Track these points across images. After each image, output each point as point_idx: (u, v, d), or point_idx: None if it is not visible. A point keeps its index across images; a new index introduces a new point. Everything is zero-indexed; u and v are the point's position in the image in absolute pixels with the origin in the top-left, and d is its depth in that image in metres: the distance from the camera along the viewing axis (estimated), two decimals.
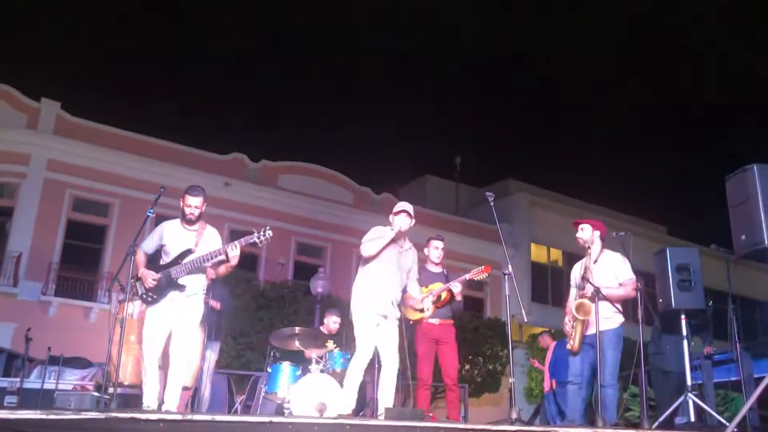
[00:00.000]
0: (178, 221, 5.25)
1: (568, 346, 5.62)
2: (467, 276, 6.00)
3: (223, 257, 5.05)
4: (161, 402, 4.89)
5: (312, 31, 51.42)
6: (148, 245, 5.22)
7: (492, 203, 5.42)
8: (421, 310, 6.01)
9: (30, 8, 39.24)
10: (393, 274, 5.41)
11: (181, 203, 5.20)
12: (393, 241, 5.43)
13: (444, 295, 6.00)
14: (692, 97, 49.85)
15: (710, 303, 6.69)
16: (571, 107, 52.38)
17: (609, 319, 5.40)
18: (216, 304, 6.71)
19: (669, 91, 51.17)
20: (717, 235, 6.22)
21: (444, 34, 51.31)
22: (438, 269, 6.26)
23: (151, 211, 4.91)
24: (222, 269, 5.30)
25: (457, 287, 5.98)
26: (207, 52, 46.42)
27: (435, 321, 6.03)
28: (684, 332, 5.85)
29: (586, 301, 5.36)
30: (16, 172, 17.32)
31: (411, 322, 6.06)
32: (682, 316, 5.85)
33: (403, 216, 5.49)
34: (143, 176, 18.14)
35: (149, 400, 4.87)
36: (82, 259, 17.64)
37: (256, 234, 5.03)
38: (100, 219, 18.17)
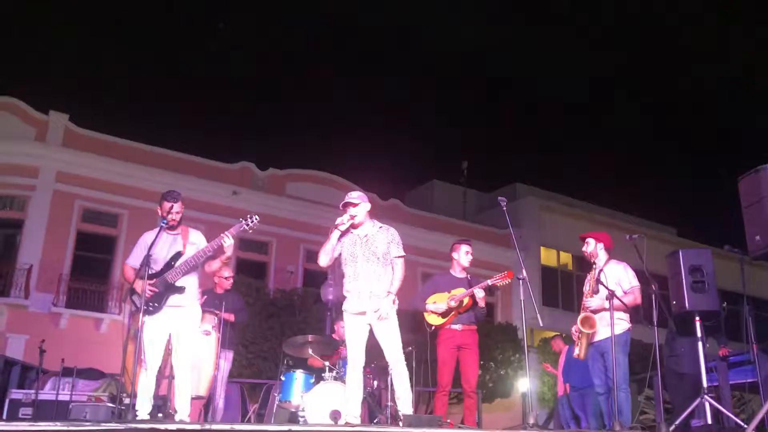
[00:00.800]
0: (156, 230, 5.28)
1: (575, 354, 5.80)
2: (489, 281, 5.95)
3: (212, 253, 5.25)
4: (174, 411, 4.90)
5: (317, 36, 51.59)
6: (135, 259, 5.25)
7: (504, 208, 5.40)
8: (443, 315, 5.98)
9: (37, 22, 39.51)
10: (362, 267, 5.16)
11: (160, 211, 5.32)
12: (347, 232, 5.25)
13: (466, 300, 5.97)
14: (702, 97, 49.75)
15: (724, 304, 6.65)
16: (579, 110, 52.34)
17: (615, 325, 5.42)
18: (230, 317, 6.72)
19: (677, 91, 51.08)
20: (728, 237, 6.21)
21: (449, 37, 51.39)
22: (462, 274, 6.20)
23: (165, 221, 4.94)
24: (216, 264, 5.44)
25: (479, 293, 5.94)
26: (213, 61, 46.62)
27: (457, 327, 5.99)
28: (699, 334, 5.82)
29: (590, 314, 5.54)
30: (26, 184, 17.42)
31: (433, 328, 6.04)
32: (697, 318, 5.81)
33: (346, 211, 5.23)
34: (152, 186, 18.16)
35: (143, 409, 4.84)
36: (92, 270, 17.70)
37: (243, 221, 5.35)
38: (109, 230, 18.24)
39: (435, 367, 6.02)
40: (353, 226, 5.25)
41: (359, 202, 5.24)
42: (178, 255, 5.20)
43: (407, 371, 5.15)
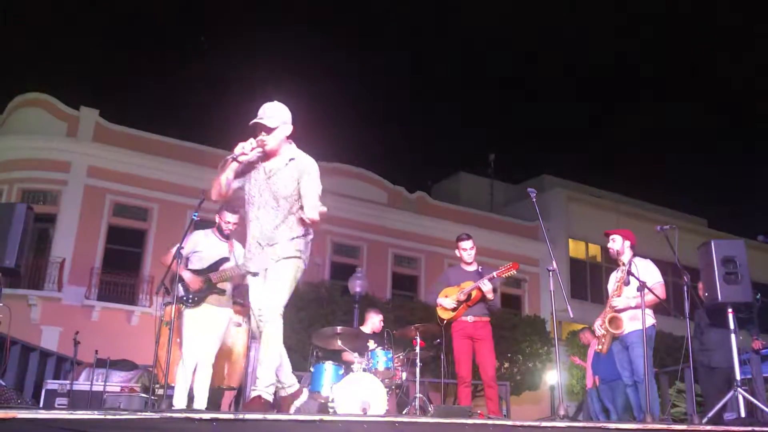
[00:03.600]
0: (210, 231, 5.48)
1: (597, 349, 5.97)
2: (495, 273, 5.97)
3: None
4: (190, 400, 5.07)
5: (339, 31, 51.63)
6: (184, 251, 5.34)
7: (534, 199, 5.38)
8: (453, 309, 6.02)
9: (67, 19, 40.06)
10: (258, 212, 4.04)
11: (218, 218, 5.44)
12: (256, 163, 4.05)
13: (474, 293, 5.99)
14: (730, 88, 48.91)
15: (758, 296, 6.55)
16: (606, 101, 51.75)
17: (640, 320, 5.43)
18: None
19: (706, 82, 50.27)
20: (760, 227, 6.12)
21: (476, 30, 51.12)
22: (471, 267, 6.23)
23: (196, 215, 4.99)
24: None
25: (486, 285, 5.94)
26: (240, 56, 46.91)
27: (468, 319, 6.04)
28: (731, 326, 5.74)
29: (618, 315, 5.63)
30: (58, 179, 17.73)
31: (444, 322, 6.09)
32: (729, 310, 5.74)
33: (257, 134, 3.97)
34: (181, 180, 18.41)
35: (180, 400, 4.99)
36: (123, 264, 17.99)
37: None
38: (139, 223, 18.50)
39: (452, 360, 6.09)
40: (266, 156, 4.03)
41: (276, 125, 3.96)
42: (225, 260, 5.36)
43: (279, 333, 4.02)
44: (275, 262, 4.00)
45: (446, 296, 6.12)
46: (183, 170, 18.56)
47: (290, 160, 4.03)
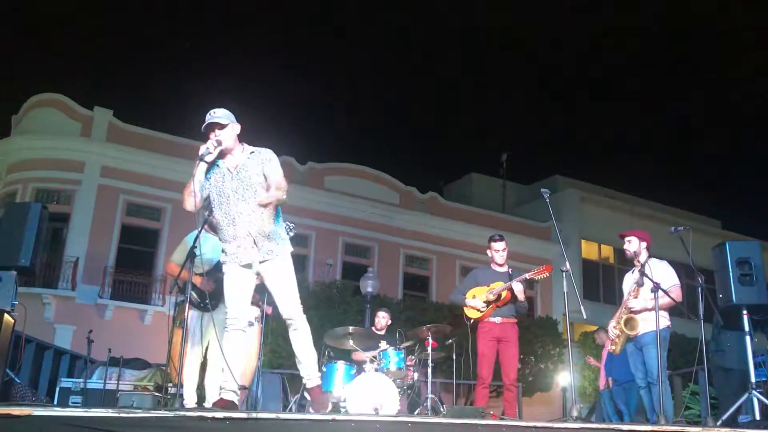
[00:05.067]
0: (203, 231, 5.34)
1: (611, 349, 5.94)
2: (527, 275, 5.92)
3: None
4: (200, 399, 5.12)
5: (351, 31, 51.69)
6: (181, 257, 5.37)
7: (548, 199, 5.34)
8: (482, 309, 5.97)
9: (81, 19, 40.33)
10: (236, 207, 4.21)
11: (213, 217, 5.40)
12: (215, 168, 4.26)
13: (504, 294, 5.95)
14: (742, 89, 48.52)
15: None
16: (618, 101, 51.52)
17: (654, 321, 5.40)
18: (269, 309, 6.80)
19: (720, 82, 49.92)
20: None
21: (488, 31, 51.01)
22: (502, 268, 6.16)
23: (209, 213, 4.99)
24: None
25: (517, 286, 5.90)
26: (253, 55, 47.06)
27: (496, 320, 5.98)
28: (746, 328, 5.70)
29: (635, 316, 5.60)
30: (72, 179, 17.86)
31: (471, 321, 6.03)
32: (744, 312, 5.70)
33: (212, 136, 4.18)
34: None
35: (190, 399, 5.03)
36: (136, 263, 18.09)
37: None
38: (152, 223, 18.60)
39: (476, 360, 6.03)
40: (220, 156, 4.23)
41: (227, 122, 4.21)
42: None
43: (308, 327, 4.43)
44: (276, 261, 4.26)
45: (474, 296, 6.06)
46: None
47: (251, 153, 4.28)
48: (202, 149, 4.12)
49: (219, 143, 4.14)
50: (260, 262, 4.23)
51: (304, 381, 4.46)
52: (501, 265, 6.17)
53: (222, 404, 4.01)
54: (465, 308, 6.10)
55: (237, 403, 4.19)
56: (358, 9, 49.41)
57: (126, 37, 43.22)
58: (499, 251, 6.18)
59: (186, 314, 4.99)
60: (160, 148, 18.74)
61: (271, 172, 4.21)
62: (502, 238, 6.28)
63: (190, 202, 4.18)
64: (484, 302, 5.95)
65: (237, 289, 4.25)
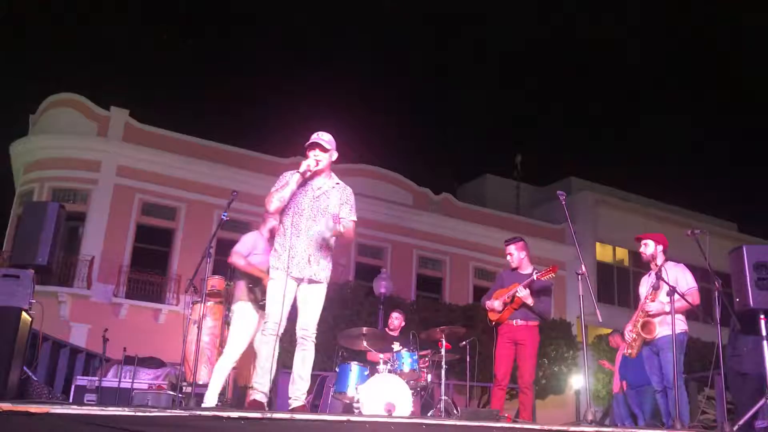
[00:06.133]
0: (257, 233, 5.70)
1: (626, 353, 5.94)
2: (534, 276, 5.89)
3: None
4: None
5: (365, 33, 51.70)
6: (246, 251, 5.55)
7: (564, 202, 5.31)
8: (500, 311, 5.97)
9: (97, 20, 40.63)
10: (306, 224, 4.49)
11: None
12: (303, 184, 4.56)
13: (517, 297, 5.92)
14: (757, 90, 48.05)
15: None
16: (634, 103, 51.22)
17: (670, 325, 5.37)
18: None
19: (735, 84, 49.53)
20: None
21: (504, 32, 50.91)
22: (526, 270, 6.10)
23: (225, 214, 5.02)
24: None
25: (521, 291, 5.85)
26: (268, 57, 47.21)
27: (514, 322, 5.96)
28: (763, 333, 5.64)
29: (651, 320, 5.59)
30: (88, 178, 18.01)
31: (492, 323, 6.04)
32: (761, 316, 5.64)
33: (312, 154, 4.52)
34: (208, 180, 18.62)
35: (212, 399, 5.07)
36: (151, 262, 18.22)
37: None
38: (167, 222, 18.71)
39: (491, 361, 6.02)
40: (312, 175, 4.57)
41: (330, 147, 4.58)
42: None
43: (314, 351, 4.56)
44: (319, 286, 4.53)
45: (496, 298, 6.06)
46: (211, 170, 18.76)
47: (336, 183, 4.64)
48: (304, 166, 4.45)
49: (317, 164, 4.48)
50: (308, 280, 4.48)
51: (290, 401, 4.45)
52: (518, 268, 6.13)
53: (253, 405, 4.20)
54: (488, 311, 6.11)
55: (266, 406, 4.36)
56: (371, 8, 49.47)
57: (142, 37, 43.50)
58: (510, 255, 6.17)
59: (200, 311, 5.02)
60: (176, 148, 18.86)
61: (346, 215, 4.54)
62: (511, 242, 6.24)
63: (276, 205, 4.48)
64: (502, 304, 5.96)
65: (280, 296, 4.41)
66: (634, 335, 5.74)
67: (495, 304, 5.96)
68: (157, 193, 18.53)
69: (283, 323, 4.43)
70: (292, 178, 4.48)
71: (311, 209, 4.49)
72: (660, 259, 5.79)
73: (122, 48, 42.08)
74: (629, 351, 5.87)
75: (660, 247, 5.82)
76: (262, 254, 5.43)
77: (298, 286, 4.50)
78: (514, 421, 5.36)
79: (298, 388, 4.45)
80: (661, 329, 5.57)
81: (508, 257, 6.19)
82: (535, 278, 5.87)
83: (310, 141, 4.50)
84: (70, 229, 17.29)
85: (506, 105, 51.76)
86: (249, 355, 5.67)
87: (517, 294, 5.85)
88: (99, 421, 2.58)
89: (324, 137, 4.54)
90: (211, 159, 19.03)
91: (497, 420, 3.92)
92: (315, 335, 4.52)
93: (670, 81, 50.85)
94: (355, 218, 4.61)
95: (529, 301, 5.82)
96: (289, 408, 4.32)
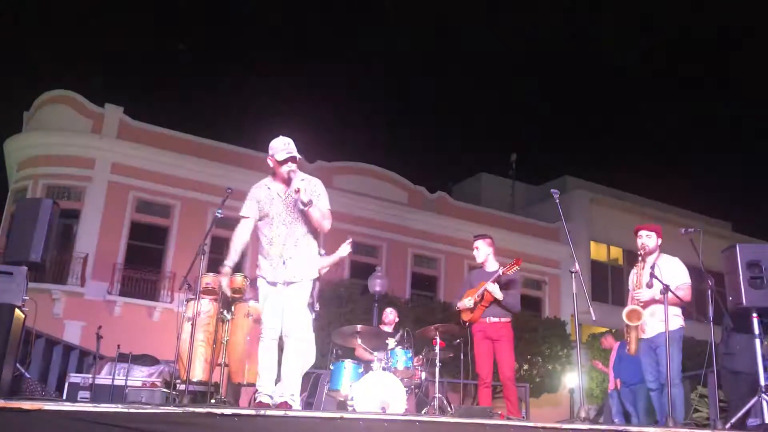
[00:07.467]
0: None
1: (626, 349, 5.81)
2: (500, 271, 5.92)
3: None
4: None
5: (362, 30, 51.68)
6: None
7: (557, 200, 5.33)
8: (471, 310, 6.01)
9: (92, 17, 40.50)
10: (278, 232, 4.55)
11: None
12: (263, 188, 4.70)
13: (486, 294, 5.96)
14: (754, 91, 48.22)
15: None
16: (629, 101, 51.32)
17: (669, 321, 5.34)
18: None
19: (730, 84, 49.66)
20: None
21: (497, 33, 50.92)
22: (492, 268, 6.17)
23: (220, 211, 5.00)
24: None
25: (490, 287, 5.88)
26: (263, 55, 47.13)
27: (487, 320, 6.01)
28: (756, 331, 5.66)
29: (637, 307, 5.50)
30: (82, 175, 17.95)
31: (465, 323, 6.09)
32: (754, 315, 5.66)
33: (288, 169, 4.53)
34: (203, 178, 18.59)
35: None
36: (145, 260, 18.17)
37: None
38: (162, 220, 18.68)
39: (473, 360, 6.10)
40: (274, 180, 4.65)
41: (298, 155, 4.59)
42: None
43: (301, 350, 4.58)
44: (293, 284, 4.51)
45: (467, 299, 6.10)
46: (205, 168, 18.73)
47: (301, 180, 4.55)
48: (305, 198, 4.38)
49: (298, 177, 4.51)
50: (285, 282, 4.51)
51: (274, 398, 4.47)
52: (484, 265, 6.17)
53: (260, 407, 4.18)
54: (461, 312, 6.16)
55: (272, 406, 4.34)
56: (367, 8, 49.44)
57: (137, 37, 43.38)
58: (476, 249, 6.25)
59: (194, 308, 5.01)
60: (170, 145, 18.81)
61: (321, 205, 4.55)
62: (479, 237, 6.35)
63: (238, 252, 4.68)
64: (472, 303, 6.00)
65: (268, 305, 4.55)
66: (626, 329, 5.65)
67: (466, 302, 6.01)
68: (151, 191, 18.48)
69: (278, 329, 4.51)
70: (272, 205, 4.55)
71: (279, 214, 4.56)
72: (656, 253, 5.74)
73: (118, 46, 41.97)
74: (628, 348, 5.79)
75: (660, 240, 5.78)
76: None
77: (279, 290, 4.56)
78: (508, 419, 5.38)
79: (283, 386, 4.48)
80: (659, 325, 5.47)
81: (475, 251, 6.28)
82: (501, 273, 5.90)
83: (287, 156, 4.49)
84: (64, 226, 17.24)
85: (501, 104, 51.81)
86: (243, 354, 5.67)
87: (486, 288, 5.88)
88: (92, 418, 2.58)
89: (293, 147, 4.56)
90: (206, 156, 18.99)
91: (490, 417, 3.93)
92: (302, 333, 4.56)
93: (668, 80, 50.98)
94: (328, 206, 4.63)
95: (499, 296, 5.86)
96: (273, 404, 4.33)
